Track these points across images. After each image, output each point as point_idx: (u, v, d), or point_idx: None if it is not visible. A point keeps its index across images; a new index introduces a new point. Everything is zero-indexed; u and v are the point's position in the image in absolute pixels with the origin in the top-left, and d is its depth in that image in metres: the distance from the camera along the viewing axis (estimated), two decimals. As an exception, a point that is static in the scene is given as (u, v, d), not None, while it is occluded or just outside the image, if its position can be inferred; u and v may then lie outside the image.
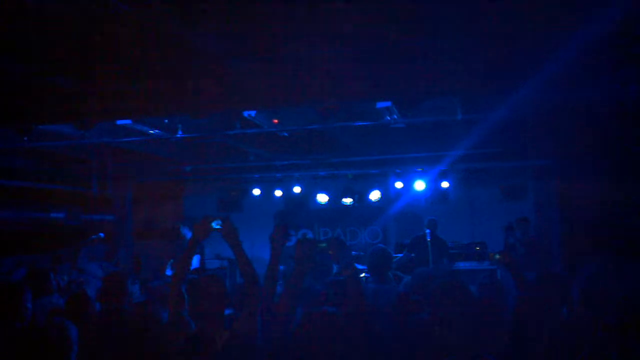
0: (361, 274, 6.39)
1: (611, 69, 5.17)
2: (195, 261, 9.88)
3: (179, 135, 6.94)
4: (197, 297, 3.92)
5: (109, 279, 5.01)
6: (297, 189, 12.17)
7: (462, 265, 10.98)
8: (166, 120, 6.74)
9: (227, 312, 4.17)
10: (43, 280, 6.11)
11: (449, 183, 11.49)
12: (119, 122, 6.34)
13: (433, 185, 11.48)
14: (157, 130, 6.98)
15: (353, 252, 10.88)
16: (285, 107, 6.30)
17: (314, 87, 5.32)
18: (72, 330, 3.42)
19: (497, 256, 4.92)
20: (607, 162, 7.81)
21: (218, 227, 3.93)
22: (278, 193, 12.58)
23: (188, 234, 10.41)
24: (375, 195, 12.22)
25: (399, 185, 11.63)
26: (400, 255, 10.17)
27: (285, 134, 7.37)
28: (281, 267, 4.42)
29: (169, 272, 9.44)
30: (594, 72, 5.18)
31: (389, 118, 6.20)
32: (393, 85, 5.30)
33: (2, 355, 3.57)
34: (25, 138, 6.40)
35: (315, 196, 12.68)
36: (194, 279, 4.38)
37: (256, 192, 12.66)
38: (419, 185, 11.30)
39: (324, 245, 4.06)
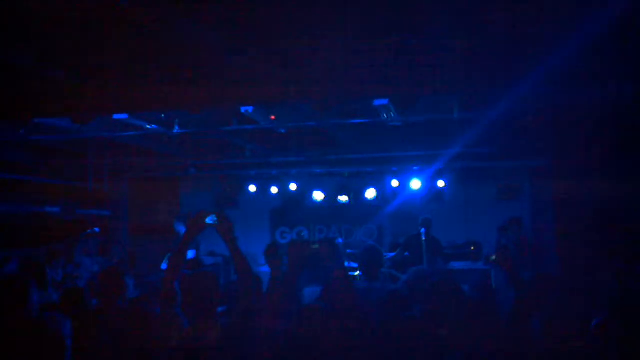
0: (356, 272, 6.39)
1: (607, 67, 5.19)
2: (191, 255, 9.85)
3: (175, 131, 6.94)
4: (190, 293, 3.90)
5: (105, 274, 4.99)
6: (293, 186, 12.17)
7: (456, 265, 10.96)
8: (163, 115, 6.73)
9: (220, 309, 4.15)
10: (37, 275, 6.05)
11: (445, 182, 11.51)
12: (116, 116, 6.32)
13: (429, 184, 11.49)
14: (153, 125, 6.98)
15: (348, 250, 10.90)
16: (282, 103, 6.30)
17: (312, 83, 5.32)
18: (66, 325, 3.41)
19: (494, 257, 4.91)
20: (603, 162, 7.83)
21: (212, 222, 3.89)
22: (274, 190, 12.52)
23: (183, 229, 10.39)
24: (371, 193, 12.21)
25: (395, 183, 11.65)
26: (393, 254, 10.16)
27: (282, 131, 7.37)
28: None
29: (164, 267, 9.40)
30: (590, 71, 5.19)
31: (386, 116, 6.21)
32: (391, 83, 5.30)
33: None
34: (22, 131, 6.39)
35: (311, 194, 12.65)
36: (186, 274, 4.36)
37: (252, 188, 12.60)
38: (415, 184, 11.32)
39: (316, 246, 4.06)
